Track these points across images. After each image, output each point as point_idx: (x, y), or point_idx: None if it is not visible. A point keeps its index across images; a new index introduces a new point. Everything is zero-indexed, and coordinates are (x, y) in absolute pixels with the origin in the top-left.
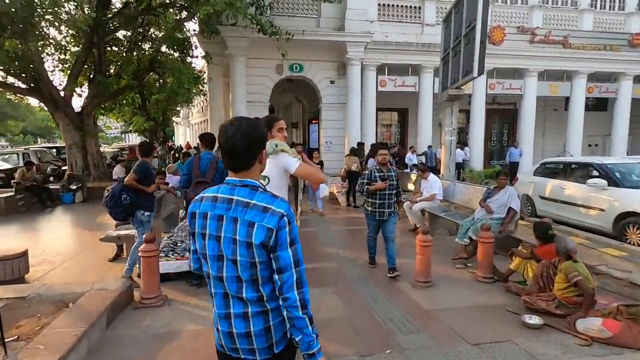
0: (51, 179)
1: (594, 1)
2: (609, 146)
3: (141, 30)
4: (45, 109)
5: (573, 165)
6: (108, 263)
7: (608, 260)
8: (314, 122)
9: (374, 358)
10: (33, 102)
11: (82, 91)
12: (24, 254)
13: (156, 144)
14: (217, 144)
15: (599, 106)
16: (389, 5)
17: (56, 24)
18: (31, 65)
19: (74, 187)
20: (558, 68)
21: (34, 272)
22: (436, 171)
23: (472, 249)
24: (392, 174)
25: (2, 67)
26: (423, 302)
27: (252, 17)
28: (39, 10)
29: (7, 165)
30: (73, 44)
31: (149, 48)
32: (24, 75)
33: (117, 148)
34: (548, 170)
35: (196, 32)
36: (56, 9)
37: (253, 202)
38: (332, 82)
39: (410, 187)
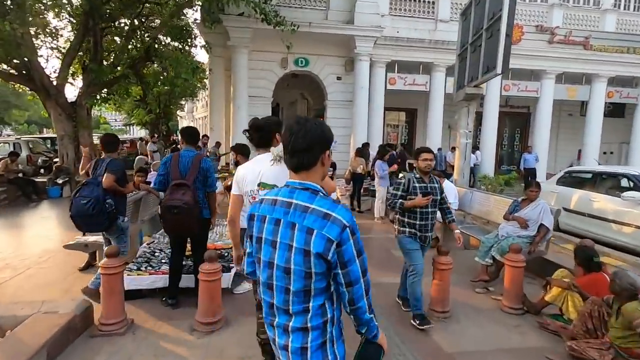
0: (42, 171)
1: (617, 1)
2: (626, 154)
3: (143, 21)
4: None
5: (603, 175)
6: (77, 272)
7: None
8: (319, 119)
9: None
10: None
11: (74, 79)
12: None
13: (156, 136)
14: (203, 142)
15: (615, 112)
16: None
17: (47, 3)
18: (19, 50)
19: (61, 181)
20: (577, 70)
21: None
22: (446, 175)
23: (495, 271)
24: (435, 186)
25: None
26: (443, 341)
27: (255, 5)
28: None
29: None
30: (66, 29)
31: (147, 37)
32: (13, 60)
33: (152, 141)
34: (573, 180)
35: (198, 22)
36: None
37: (312, 206)
38: (338, 78)
39: None
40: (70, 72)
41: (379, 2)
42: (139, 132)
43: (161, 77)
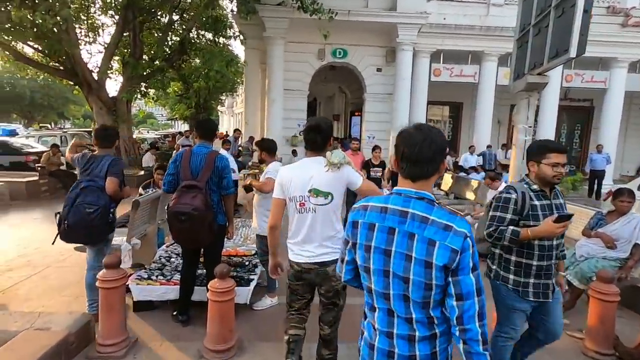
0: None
1: None
2: None
3: (180, 14)
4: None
5: None
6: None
7: None
8: (356, 114)
9: None
10: None
11: (112, 73)
12: None
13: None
14: (217, 138)
15: None
16: None
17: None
18: (60, 44)
19: None
20: None
21: (5, 280)
22: (497, 175)
23: (571, 300)
24: (561, 202)
25: (34, 45)
26: None
27: None
28: None
29: (43, 148)
30: (107, 24)
31: (182, 29)
32: (57, 55)
33: (161, 135)
34: None
35: (233, 13)
36: None
37: (432, 217)
38: (378, 69)
39: (469, 195)
40: (111, 66)
41: None
42: (182, 127)
43: (199, 72)
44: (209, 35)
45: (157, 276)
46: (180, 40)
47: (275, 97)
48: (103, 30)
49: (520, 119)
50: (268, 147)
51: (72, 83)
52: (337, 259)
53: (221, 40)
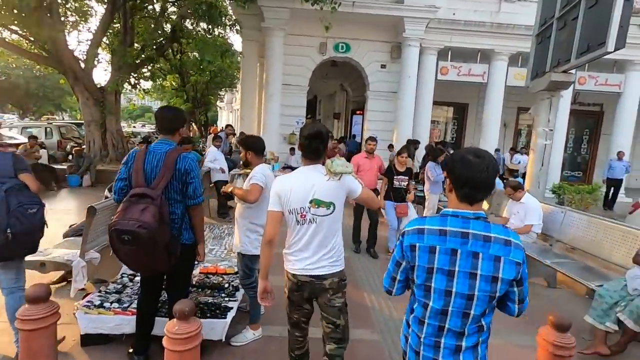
0: (70, 157)
1: None
2: None
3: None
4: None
5: None
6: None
7: None
8: (357, 112)
9: None
10: None
11: (100, 62)
12: None
13: (194, 125)
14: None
15: None
16: None
17: None
18: (42, 27)
19: (82, 169)
20: None
21: None
22: (502, 179)
23: (623, 342)
24: None
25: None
26: None
27: None
28: None
29: (24, 140)
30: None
31: (174, 17)
32: (41, 41)
33: (155, 129)
34: None
35: (231, 1)
36: None
37: (493, 235)
38: (383, 66)
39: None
40: (97, 56)
41: None
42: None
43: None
44: (203, 24)
45: (112, 302)
46: (172, 28)
47: (273, 92)
48: (90, 15)
49: (540, 121)
50: (254, 146)
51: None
52: (337, 272)
53: (216, 30)
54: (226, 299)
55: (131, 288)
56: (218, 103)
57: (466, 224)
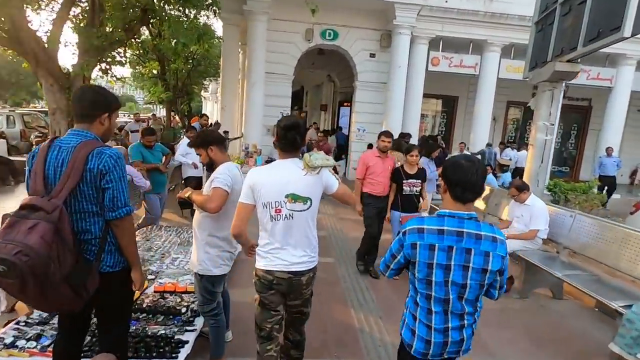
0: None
1: None
2: None
3: None
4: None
5: None
6: None
7: None
8: (345, 104)
9: None
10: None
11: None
12: None
13: (176, 116)
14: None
15: None
16: None
17: None
18: None
19: None
20: None
21: None
22: (494, 176)
23: None
24: None
25: None
26: None
27: None
28: None
29: None
30: None
31: None
32: None
33: (135, 119)
34: None
35: None
36: None
37: (483, 233)
38: (372, 55)
39: (477, 204)
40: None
41: None
42: (162, 111)
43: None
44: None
45: (29, 339)
46: (143, 7)
47: (256, 80)
48: None
49: (540, 114)
50: (214, 138)
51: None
52: (314, 267)
53: (192, 11)
54: (180, 329)
55: (49, 326)
56: (202, 93)
57: (461, 223)
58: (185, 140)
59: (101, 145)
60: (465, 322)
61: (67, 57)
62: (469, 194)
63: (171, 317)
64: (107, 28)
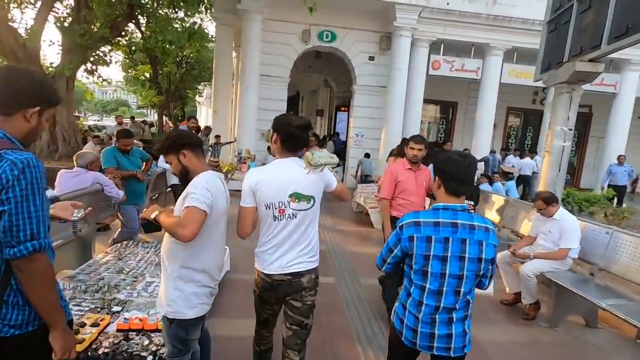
0: None
1: None
2: None
3: None
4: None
5: None
6: None
7: None
8: (342, 109)
9: None
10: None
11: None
12: None
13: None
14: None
15: None
16: None
17: None
18: None
19: None
20: None
21: None
22: (491, 183)
23: None
24: None
25: None
26: None
27: None
28: None
29: None
30: None
31: None
32: None
33: (118, 122)
34: None
35: None
36: None
37: (476, 223)
38: (371, 58)
39: (490, 215)
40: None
41: None
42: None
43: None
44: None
45: None
46: (129, 3)
47: (250, 83)
48: None
49: (557, 119)
50: (188, 141)
51: None
52: (314, 268)
53: (182, 9)
54: None
55: None
56: (197, 98)
57: (455, 215)
58: None
59: (8, 147)
60: (454, 316)
61: (52, 57)
62: (464, 187)
63: None
64: (94, 27)
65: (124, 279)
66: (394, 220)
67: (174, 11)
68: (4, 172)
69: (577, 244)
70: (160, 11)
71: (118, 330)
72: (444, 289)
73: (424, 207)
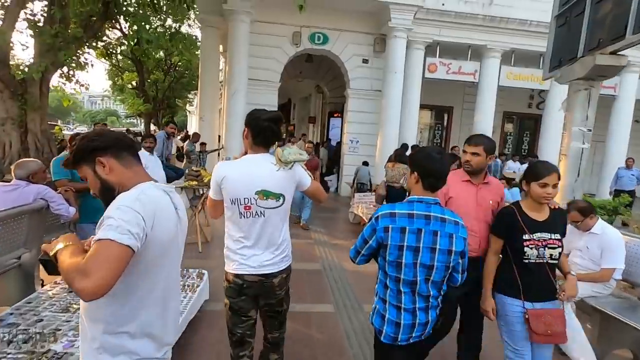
0: None
1: None
2: None
3: None
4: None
5: None
6: None
7: None
8: (335, 115)
9: None
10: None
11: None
12: None
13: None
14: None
15: None
16: None
17: None
18: None
19: None
20: None
21: None
22: None
23: None
24: None
25: None
26: None
27: None
28: None
29: None
30: None
31: None
32: None
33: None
34: None
35: None
36: None
37: (447, 217)
38: (365, 60)
39: None
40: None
41: None
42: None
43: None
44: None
45: None
46: (104, 1)
47: (237, 88)
48: None
49: (574, 119)
50: (108, 145)
51: None
52: (286, 269)
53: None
54: None
55: None
56: (188, 107)
57: (428, 208)
58: (142, 152)
59: None
60: (430, 303)
61: (28, 63)
62: (440, 182)
63: None
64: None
65: (69, 321)
66: None
67: (154, 12)
68: None
69: (623, 263)
70: (140, 11)
71: None
72: (417, 278)
73: (487, 240)
